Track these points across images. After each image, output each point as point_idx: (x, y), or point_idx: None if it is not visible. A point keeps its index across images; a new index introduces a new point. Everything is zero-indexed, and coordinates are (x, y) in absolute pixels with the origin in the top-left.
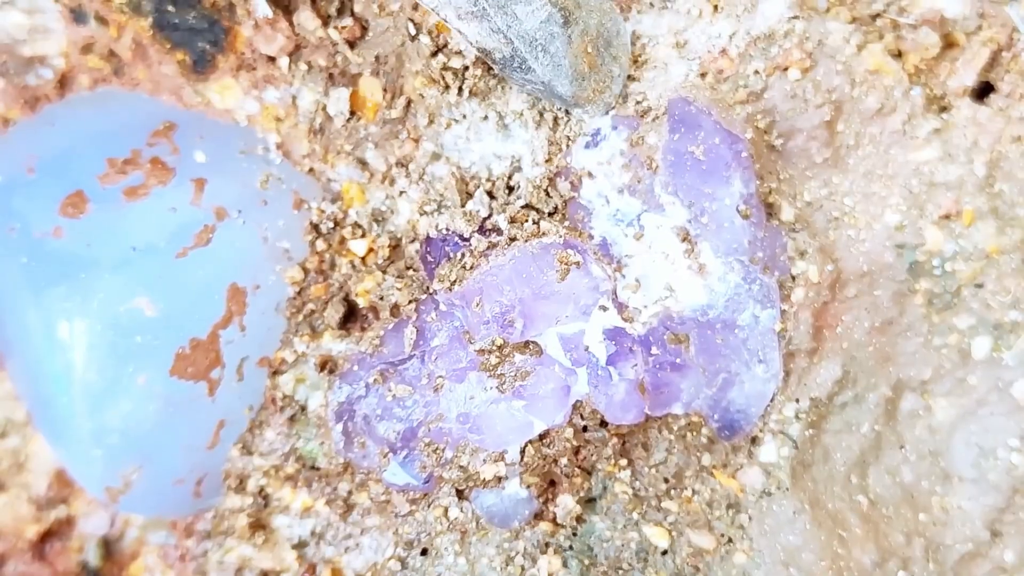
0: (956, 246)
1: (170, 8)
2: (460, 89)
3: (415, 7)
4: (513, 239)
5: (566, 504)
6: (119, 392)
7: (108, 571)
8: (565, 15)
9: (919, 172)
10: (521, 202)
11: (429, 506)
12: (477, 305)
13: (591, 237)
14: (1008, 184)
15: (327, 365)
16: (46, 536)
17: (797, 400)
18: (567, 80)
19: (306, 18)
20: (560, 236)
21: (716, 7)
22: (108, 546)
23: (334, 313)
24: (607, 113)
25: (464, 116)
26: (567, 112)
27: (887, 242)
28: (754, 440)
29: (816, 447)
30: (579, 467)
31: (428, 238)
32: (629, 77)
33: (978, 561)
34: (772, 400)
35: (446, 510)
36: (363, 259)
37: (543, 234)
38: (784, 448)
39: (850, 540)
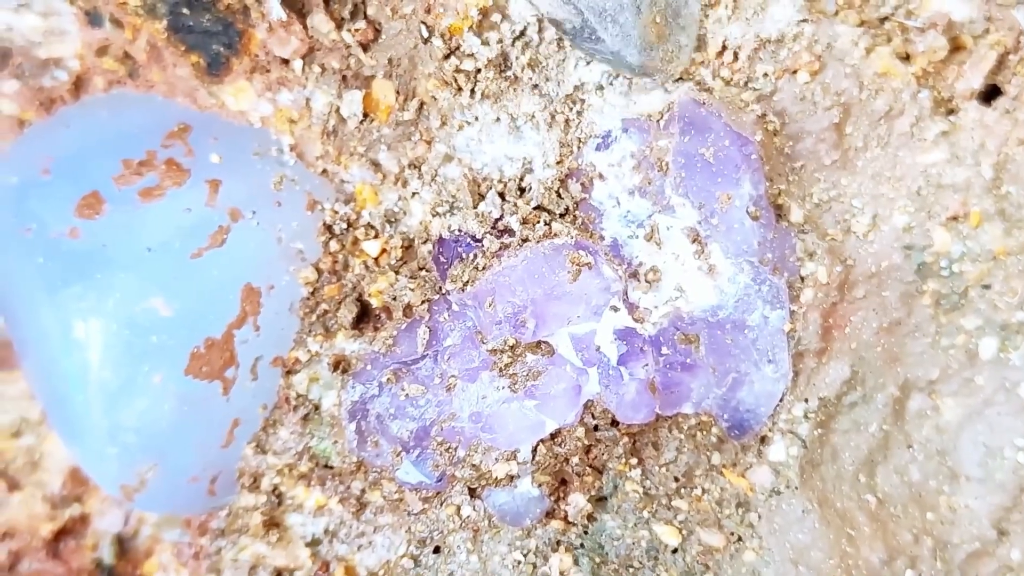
0: (963, 247)
1: (185, 11)
2: (472, 91)
3: (428, 10)
4: (525, 240)
5: (577, 502)
6: (134, 391)
7: (122, 569)
8: None
9: (927, 174)
10: (533, 203)
11: (442, 504)
12: (490, 305)
13: (602, 238)
14: (1015, 186)
15: (340, 364)
16: (61, 534)
17: (806, 400)
18: (636, 50)
19: (320, 21)
20: (571, 237)
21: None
22: (122, 544)
23: (347, 313)
24: (672, 82)
25: (476, 118)
26: (579, 113)
27: (895, 243)
28: (763, 439)
29: (825, 446)
30: (590, 466)
31: (441, 239)
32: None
33: (985, 560)
34: (781, 400)
35: (459, 508)
36: (376, 260)
37: (555, 235)
38: (793, 447)
39: (858, 538)
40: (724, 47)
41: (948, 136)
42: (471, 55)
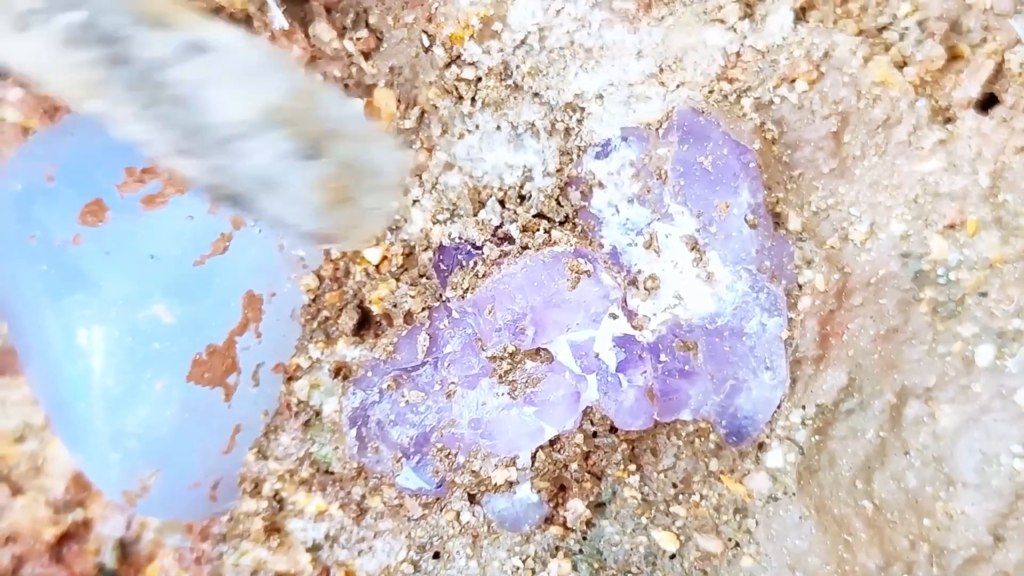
0: (960, 255)
1: None
2: (473, 100)
3: (429, 19)
4: (525, 248)
5: (576, 508)
6: (137, 397)
7: (124, 573)
8: (309, 146)
9: (924, 182)
10: (533, 211)
11: (441, 510)
12: (489, 313)
13: (601, 246)
14: (1012, 194)
15: (341, 371)
16: (63, 538)
17: (803, 407)
18: (306, 217)
19: (322, 29)
20: (571, 245)
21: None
22: (124, 548)
23: (348, 320)
24: (369, 247)
25: (477, 126)
26: (579, 122)
27: (892, 251)
28: (761, 446)
29: (822, 453)
30: (589, 472)
31: (441, 246)
32: None
33: (981, 566)
34: (779, 407)
35: (458, 514)
36: (377, 267)
37: (554, 243)
38: (791, 454)
39: (855, 545)
40: None
41: (945, 144)
42: (472, 64)
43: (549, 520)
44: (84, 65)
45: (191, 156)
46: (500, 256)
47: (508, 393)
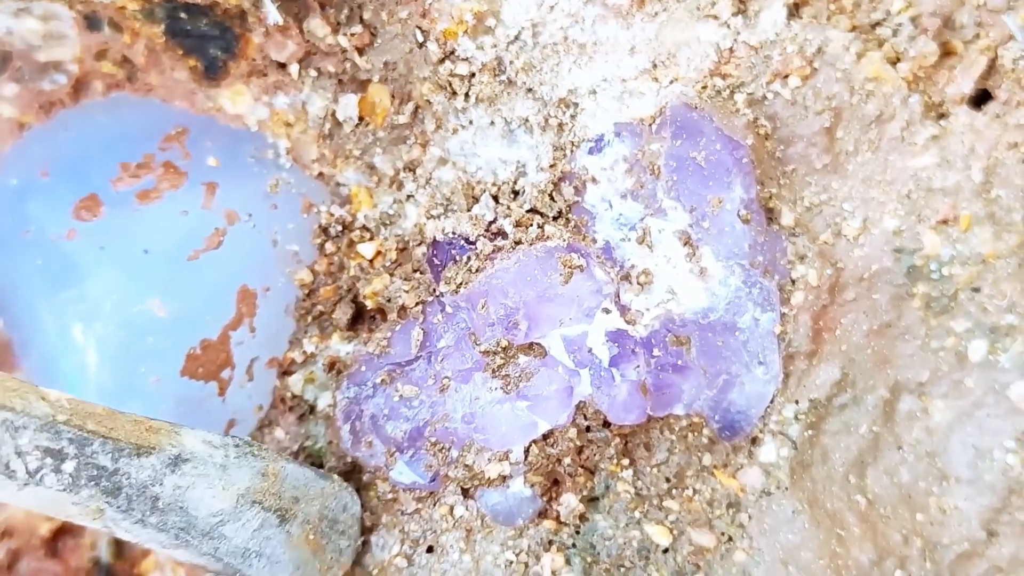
0: (953, 251)
1: (183, 15)
2: (467, 95)
3: (423, 15)
4: (518, 243)
5: (569, 503)
6: (131, 392)
7: (120, 568)
8: (281, 514)
9: (917, 178)
10: (526, 206)
11: (435, 504)
12: (483, 307)
13: (594, 241)
14: (1005, 190)
15: (335, 366)
16: (59, 533)
17: (796, 401)
18: (287, 572)
19: (316, 25)
20: (564, 240)
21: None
22: (120, 543)
23: (342, 315)
24: None
25: (471, 122)
26: (572, 117)
27: (885, 246)
28: (754, 440)
29: (815, 448)
30: (582, 466)
31: (435, 241)
32: None
33: (974, 561)
34: (772, 401)
35: (452, 508)
36: (371, 262)
37: (547, 238)
38: (784, 448)
39: (848, 539)
40: None
41: (938, 140)
42: (466, 59)
43: (542, 514)
44: (84, 500)
45: (184, 547)
46: (493, 251)
47: (501, 387)
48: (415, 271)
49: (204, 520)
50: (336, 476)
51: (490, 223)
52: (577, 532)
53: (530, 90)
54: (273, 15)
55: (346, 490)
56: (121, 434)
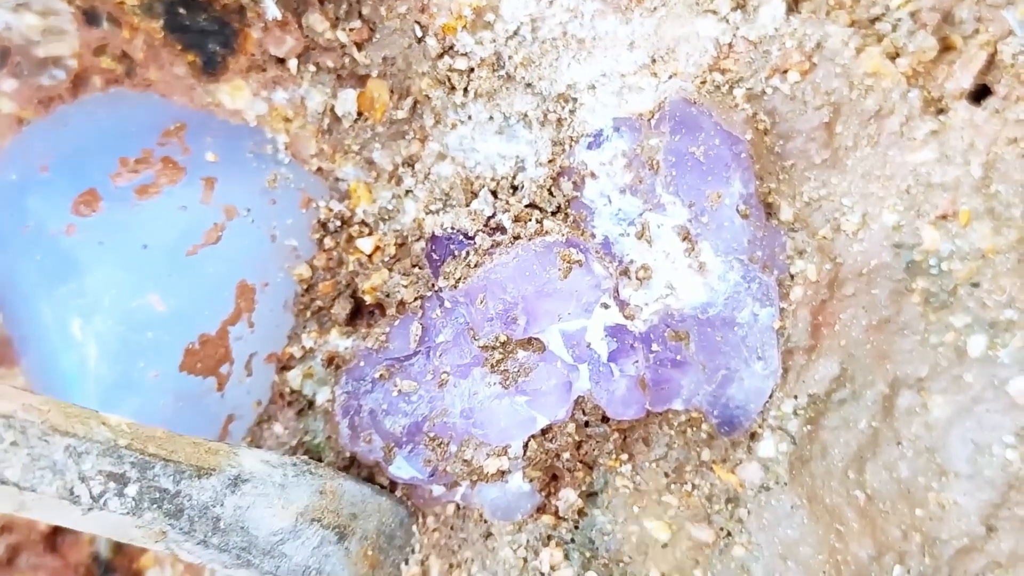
0: (952, 246)
1: (182, 10)
2: (466, 90)
3: (422, 10)
4: (517, 237)
5: (568, 498)
6: (130, 387)
7: (119, 563)
8: (340, 531)
9: (916, 173)
10: (525, 201)
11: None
12: (481, 302)
13: (593, 236)
14: (1004, 185)
15: (334, 361)
16: (58, 529)
17: (795, 396)
18: None
19: (315, 20)
20: (563, 235)
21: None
22: None
23: (341, 310)
24: None
25: (469, 117)
26: (571, 112)
27: (885, 241)
28: (753, 436)
29: (814, 443)
30: (581, 461)
31: (434, 236)
32: None
33: (973, 556)
34: (771, 396)
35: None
36: (370, 257)
37: (546, 233)
38: (782, 444)
39: (847, 534)
40: None
41: (938, 135)
42: (465, 54)
43: (541, 509)
44: (148, 523)
45: (246, 567)
46: (492, 246)
47: (500, 383)
48: (414, 266)
49: (265, 539)
50: (390, 492)
51: (489, 218)
52: (576, 527)
53: (529, 85)
54: (272, 10)
55: (401, 505)
56: (182, 456)
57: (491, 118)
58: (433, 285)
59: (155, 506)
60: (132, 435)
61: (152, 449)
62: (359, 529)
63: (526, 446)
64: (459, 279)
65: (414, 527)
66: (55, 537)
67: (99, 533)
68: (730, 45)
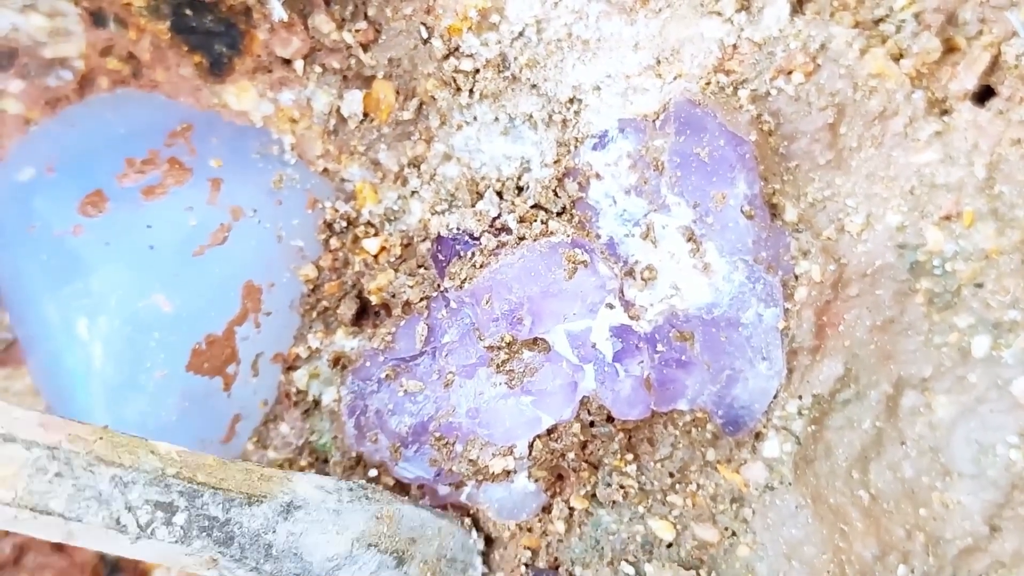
0: (956, 246)
1: (188, 11)
2: (471, 91)
3: (428, 11)
4: (522, 238)
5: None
6: (136, 387)
7: (125, 563)
8: (398, 556)
9: (920, 174)
10: (530, 202)
11: None
12: (487, 302)
13: (598, 237)
14: (1008, 186)
15: (340, 361)
16: None
17: (800, 397)
18: None
19: (321, 21)
20: (568, 235)
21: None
22: None
23: (347, 310)
24: None
25: (475, 118)
26: (576, 113)
27: (888, 242)
28: (758, 436)
29: (818, 443)
30: (586, 461)
31: (439, 237)
32: None
33: (977, 555)
34: (775, 397)
35: None
36: (376, 257)
37: (551, 233)
38: (787, 444)
39: (851, 534)
40: None
41: (942, 136)
42: (470, 55)
43: (546, 509)
44: (197, 551)
45: None
46: (498, 246)
47: (506, 383)
48: (419, 267)
49: (320, 565)
50: (454, 515)
51: (494, 219)
52: (581, 527)
53: (534, 86)
54: (278, 11)
55: (464, 527)
56: (231, 484)
57: (496, 119)
58: (439, 286)
59: (204, 534)
60: (181, 464)
61: (201, 477)
62: (418, 553)
63: (531, 446)
64: (465, 279)
65: (477, 548)
66: None
67: (150, 560)
68: (734, 46)
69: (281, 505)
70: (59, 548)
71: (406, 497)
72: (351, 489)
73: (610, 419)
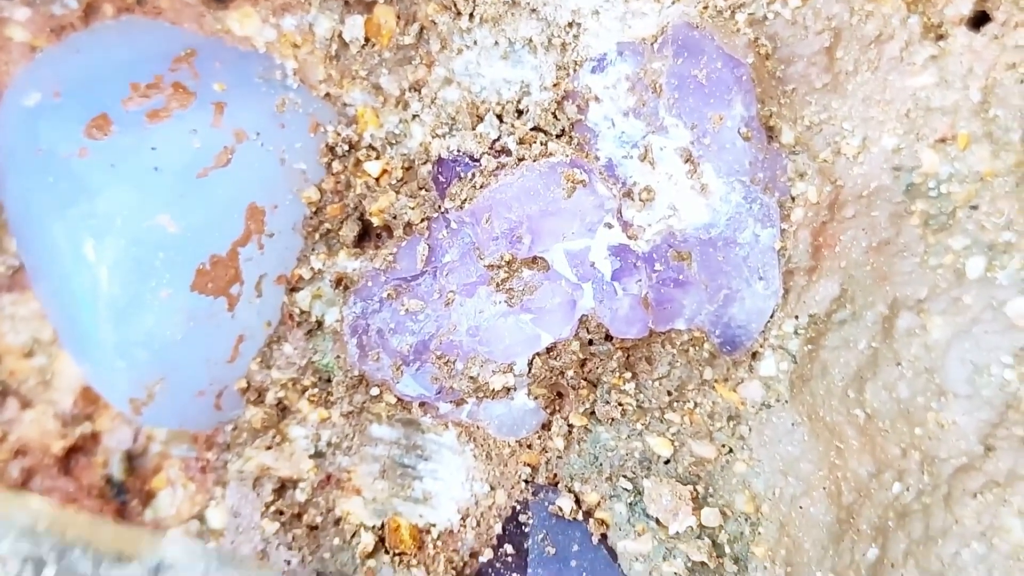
0: (951, 169)
1: None
2: (471, 15)
3: None
4: (521, 159)
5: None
6: (142, 306)
7: (132, 484)
8: None
9: (916, 97)
10: (530, 125)
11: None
12: (487, 222)
13: (597, 159)
14: (1003, 110)
15: (343, 282)
16: (72, 451)
17: (796, 317)
18: None
19: None
20: (567, 156)
21: None
22: (132, 460)
23: (349, 232)
24: None
25: (475, 42)
26: (575, 37)
27: (884, 164)
28: (754, 355)
29: (814, 362)
30: (585, 379)
31: (440, 159)
32: None
33: (972, 474)
34: (772, 316)
35: None
36: (377, 180)
37: (550, 154)
38: (783, 363)
39: (847, 451)
40: None
41: (937, 60)
42: None
43: (546, 426)
44: None
45: None
46: (497, 168)
47: (505, 301)
48: (421, 188)
49: None
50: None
51: (494, 141)
52: (580, 443)
53: (534, 10)
54: None
55: None
56: (101, 543)
57: (496, 43)
58: (439, 207)
59: None
60: (52, 519)
61: (72, 534)
62: None
63: (531, 363)
64: (465, 200)
65: None
66: (68, 460)
67: None
68: None
69: (150, 567)
70: (66, 471)
71: (274, 567)
72: (220, 557)
73: (609, 338)
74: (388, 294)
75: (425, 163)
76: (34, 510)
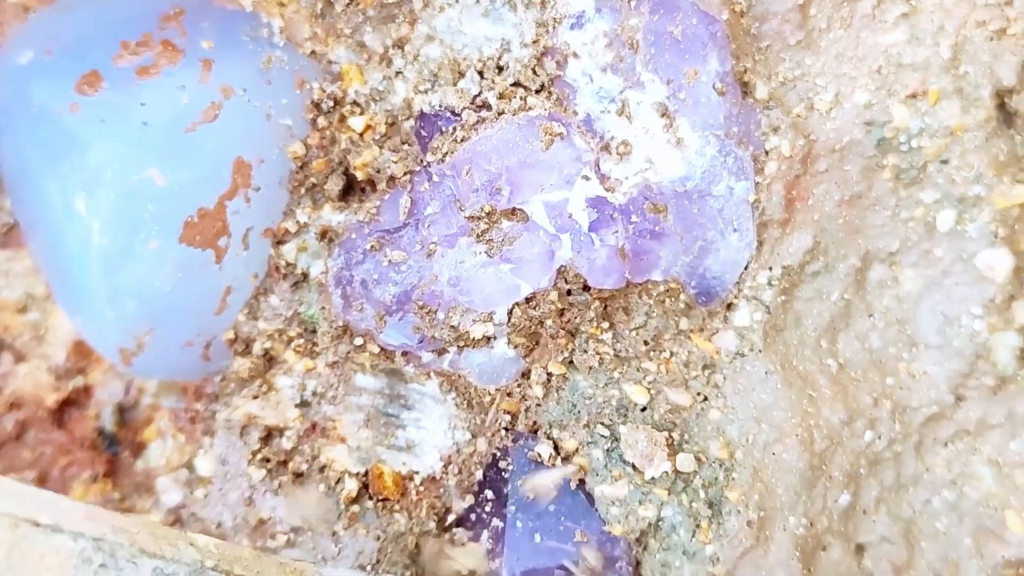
0: (922, 123)
1: None
2: None
3: None
4: (501, 113)
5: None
6: (132, 257)
7: (123, 436)
8: None
9: (887, 54)
10: (510, 80)
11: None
12: (467, 174)
13: (575, 113)
14: (972, 66)
15: (327, 234)
16: (64, 404)
17: (770, 268)
18: None
19: None
20: (545, 110)
21: None
22: (123, 412)
23: (334, 186)
24: None
25: (457, 0)
26: None
27: (856, 119)
28: (729, 306)
29: (788, 313)
30: (563, 328)
31: (422, 114)
32: None
33: (943, 423)
34: (746, 268)
35: None
36: (361, 135)
37: (530, 109)
38: (757, 313)
39: (819, 400)
40: None
41: (908, 18)
42: None
43: (525, 375)
44: None
45: None
46: (478, 122)
47: (485, 252)
48: (403, 143)
49: None
50: None
51: (475, 96)
52: (558, 392)
53: None
54: None
55: None
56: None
57: (477, 1)
58: (422, 160)
59: None
60: (219, 556)
61: (238, 570)
62: None
63: (511, 313)
64: (446, 153)
65: None
66: (62, 413)
67: None
68: None
69: None
70: (59, 424)
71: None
72: None
73: (587, 288)
74: (371, 246)
75: (408, 118)
76: (200, 547)
